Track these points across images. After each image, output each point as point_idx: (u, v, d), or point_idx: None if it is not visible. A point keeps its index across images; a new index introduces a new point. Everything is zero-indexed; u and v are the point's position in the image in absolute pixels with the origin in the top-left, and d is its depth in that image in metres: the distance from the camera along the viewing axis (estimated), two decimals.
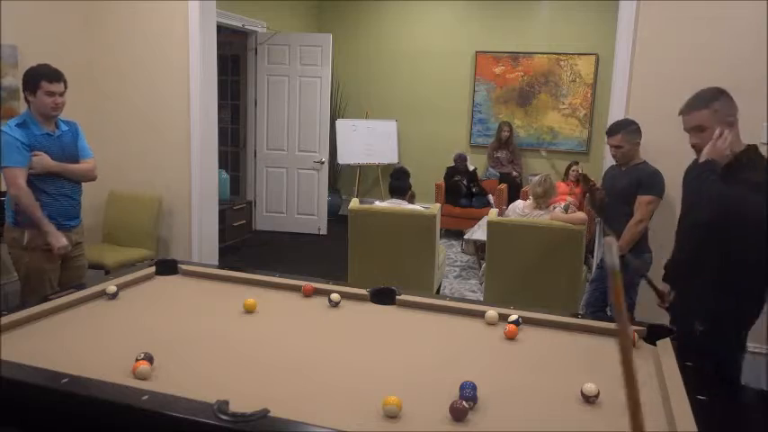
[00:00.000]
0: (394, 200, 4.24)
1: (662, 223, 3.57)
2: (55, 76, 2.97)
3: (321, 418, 1.45)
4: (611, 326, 2.23)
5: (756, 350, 3.53)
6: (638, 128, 3.33)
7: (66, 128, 3.16)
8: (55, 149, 3.04)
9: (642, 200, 3.25)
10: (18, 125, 2.95)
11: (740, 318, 2.27)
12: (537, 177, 4.58)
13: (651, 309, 3.60)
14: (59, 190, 3.08)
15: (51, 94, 2.95)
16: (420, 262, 4.20)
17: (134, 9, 4.32)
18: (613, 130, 3.34)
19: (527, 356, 2.01)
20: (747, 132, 3.38)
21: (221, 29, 5.53)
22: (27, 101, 2.99)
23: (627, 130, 3.30)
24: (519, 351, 2.06)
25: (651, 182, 3.26)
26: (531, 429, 1.54)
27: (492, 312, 2.26)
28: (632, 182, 3.29)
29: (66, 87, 3.03)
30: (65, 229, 3.10)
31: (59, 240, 2.98)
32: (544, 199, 4.42)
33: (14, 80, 3.91)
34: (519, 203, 4.63)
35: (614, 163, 3.54)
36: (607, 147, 3.54)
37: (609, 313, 3.49)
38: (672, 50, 3.45)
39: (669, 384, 1.71)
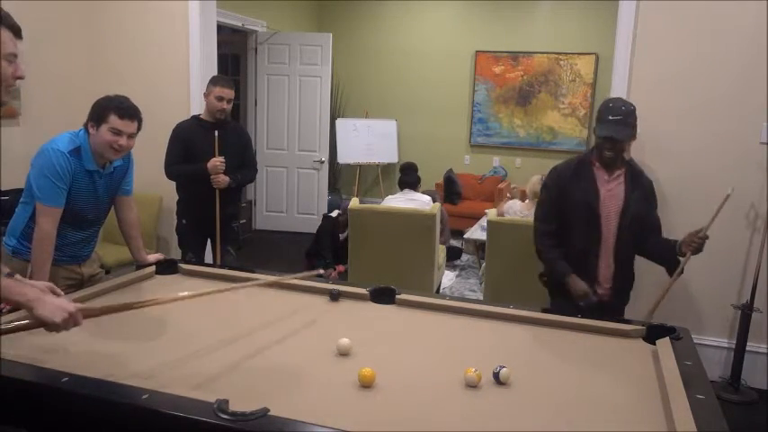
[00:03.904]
0: (407, 191, 4.62)
1: None
2: (128, 111, 2.41)
3: (321, 417, 1.45)
4: (613, 325, 2.23)
5: (756, 350, 3.54)
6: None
7: (120, 162, 2.59)
8: (100, 188, 2.54)
9: None
10: (72, 152, 2.41)
11: None
12: (534, 177, 4.60)
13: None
14: (75, 236, 2.57)
15: (117, 132, 2.39)
16: (420, 262, 4.21)
17: (134, 9, 4.32)
18: None
19: (526, 357, 2.02)
20: (747, 132, 3.41)
21: (221, 28, 5.53)
22: (87, 131, 2.44)
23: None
24: (519, 351, 2.06)
25: None
26: (534, 429, 1.54)
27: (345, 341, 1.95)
28: None
29: (139, 129, 2.47)
30: (72, 263, 2.62)
31: None
32: None
33: None
34: (516, 204, 4.64)
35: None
36: None
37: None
38: (672, 50, 3.45)
39: (669, 384, 1.71)
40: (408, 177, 4.69)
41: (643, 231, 2.69)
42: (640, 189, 2.65)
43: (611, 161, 2.59)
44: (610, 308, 2.64)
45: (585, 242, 2.63)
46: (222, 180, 3.53)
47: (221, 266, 2.98)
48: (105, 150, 2.43)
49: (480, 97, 7.84)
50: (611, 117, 2.52)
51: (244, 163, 3.76)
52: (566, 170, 2.72)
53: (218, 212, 3.58)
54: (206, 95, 3.61)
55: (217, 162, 3.50)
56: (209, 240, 3.82)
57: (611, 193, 2.63)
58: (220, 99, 3.53)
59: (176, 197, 3.75)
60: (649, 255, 2.78)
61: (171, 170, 3.60)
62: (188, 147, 3.57)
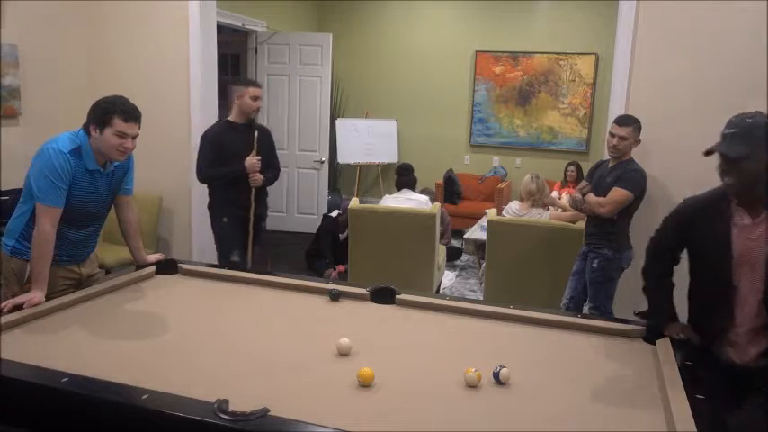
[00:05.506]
0: (405, 191, 4.65)
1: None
2: (132, 114, 2.40)
3: (321, 417, 1.46)
4: (613, 325, 2.24)
5: None
6: (641, 127, 3.36)
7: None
8: (101, 188, 2.53)
9: (614, 192, 3.25)
10: (72, 152, 2.39)
11: None
12: (527, 176, 4.59)
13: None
14: (75, 236, 2.55)
15: (123, 135, 2.38)
16: (420, 262, 4.21)
17: (134, 9, 4.32)
18: (626, 121, 3.33)
19: (526, 357, 2.02)
20: None
21: (221, 28, 5.53)
22: (88, 133, 2.42)
23: (636, 125, 3.33)
24: (519, 351, 2.06)
25: (630, 178, 3.26)
26: (534, 429, 1.54)
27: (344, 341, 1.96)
28: (616, 178, 3.30)
29: (139, 129, 2.46)
30: (71, 263, 2.60)
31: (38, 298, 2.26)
32: (539, 196, 4.45)
33: (15, 79, 3.91)
34: (514, 205, 4.64)
35: (607, 156, 3.53)
36: (605, 143, 3.53)
37: (590, 305, 3.51)
38: (672, 50, 3.45)
39: (669, 384, 1.72)
40: (406, 178, 4.73)
41: None
42: None
43: (733, 190, 2.04)
44: None
45: (714, 290, 2.13)
46: (259, 179, 3.62)
47: (227, 267, 2.97)
48: (111, 153, 2.43)
49: (480, 97, 7.83)
50: (725, 131, 2.06)
51: (269, 163, 3.80)
52: (693, 206, 2.21)
53: (252, 212, 3.67)
54: (239, 97, 3.65)
55: (254, 161, 3.57)
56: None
57: (755, 242, 2.03)
58: (255, 98, 3.61)
59: (178, 198, 3.76)
60: None
61: (205, 174, 3.65)
62: (219, 150, 3.62)
